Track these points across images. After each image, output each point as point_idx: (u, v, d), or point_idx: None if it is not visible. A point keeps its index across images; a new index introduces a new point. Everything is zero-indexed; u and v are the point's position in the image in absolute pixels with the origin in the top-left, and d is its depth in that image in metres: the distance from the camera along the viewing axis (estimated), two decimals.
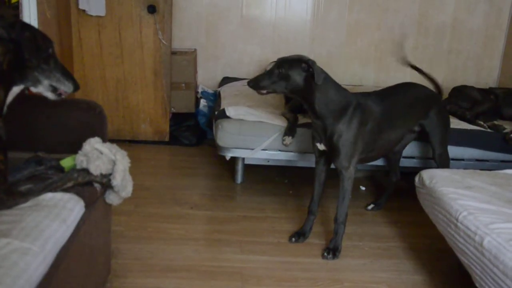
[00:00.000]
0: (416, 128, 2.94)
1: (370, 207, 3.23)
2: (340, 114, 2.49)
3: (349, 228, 2.95)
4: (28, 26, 1.70)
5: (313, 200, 2.77)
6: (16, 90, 1.68)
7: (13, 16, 2.22)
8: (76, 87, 1.80)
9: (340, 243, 2.67)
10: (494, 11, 4.66)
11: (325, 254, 2.63)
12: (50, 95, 1.77)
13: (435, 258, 2.68)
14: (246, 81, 4.21)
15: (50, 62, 1.72)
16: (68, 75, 1.77)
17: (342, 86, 2.58)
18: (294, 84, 2.43)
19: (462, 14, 4.66)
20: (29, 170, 1.80)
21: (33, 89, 1.73)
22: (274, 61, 2.52)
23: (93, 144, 1.83)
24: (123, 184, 1.86)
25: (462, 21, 4.68)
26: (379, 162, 3.30)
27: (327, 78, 2.47)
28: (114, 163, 1.82)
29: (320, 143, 2.62)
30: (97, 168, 1.79)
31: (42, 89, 1.73)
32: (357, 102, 2.54)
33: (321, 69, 2.43)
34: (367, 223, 3.05)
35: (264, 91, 2.47)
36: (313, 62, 2.40)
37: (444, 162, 2.99)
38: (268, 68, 2.53)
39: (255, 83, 2.47)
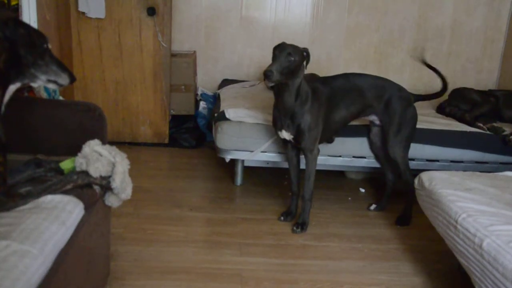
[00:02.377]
0: (375, 120, 3.02)
1: (372, 207, 3.25)
2: (305, 100, 2.68)
3: (348, 230, 2.97)
4: (22, 23, 1.69)
5: (293, 183, 3.01)
6: (12, 88, 1.68)
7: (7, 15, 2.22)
8: (72, 79, 1.80)
9: (308, 218, 2.90)
10: (493, 13, 4.67)
11: (295, 228, 2.87)
12: (51, 86, 1.78)
13: (434, 260, 2.68)
14: (246, 83, 4.26)
15: (46, 57, 1.72)
16: (64, 68, 1.77)
17: None
18: (298, 69, 2.58)
19: (461, 16, 4.67)
20: (28, 173, 1.80)
21: (33, 84, 1.74)
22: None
23: (92, 146, 1.83)
24: (123, 186, 1.86)
25: (461, 23, 4.69)
26: (378, 164, 3.30)
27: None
28: (113, 165, 1.82)
29: (281, 131, 2.78)
30: (96, 170, 1.79)
31: (41, 83, 1.74)
32: (312, 88, 2.72)
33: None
34: (366, 225, 3.05)
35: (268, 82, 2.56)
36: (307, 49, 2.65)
37: (397, 156, 2.98)
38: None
39: (272, 75, 2.48)
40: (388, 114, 2.94)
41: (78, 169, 1.81)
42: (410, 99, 3.00)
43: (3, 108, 1.64)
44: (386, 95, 2.93)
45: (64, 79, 1.78)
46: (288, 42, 2.73)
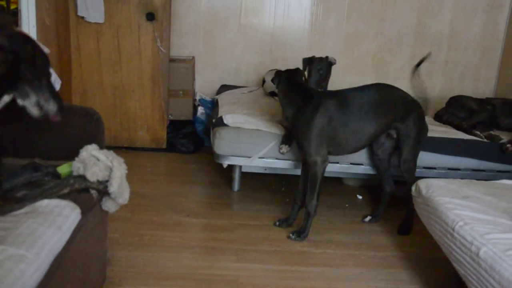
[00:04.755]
0: (393, 133, 2.96)
1: (367, 219, 3.20)
2: (301, 109, 2.77)
3: (345, 237, 2.97)
4: (30, 40, 1.69)
5: (298, 191, 3.00)
6: (6, 99, 1.67)
7: (15, 27, 2.25)
8: (61, 110, 1.78)
9: (307, 228, 2.87)
10: (491, 21, 4.69)
11: (290, 234, 2.87)
12: (35, 111, 1.73)
13: (431, 267, 2.68)
14: (245, 88, 4.28)
15: (42, 79, 1.72)
16: (56, 96, 1.76)
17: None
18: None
19: (459, 24, 4.69)
20: (25, 177, 1.79)
21: (20, 102, 1.70)
22: (272, 69, 2.71)
23: (90, 151, 1.83)
24: (120, 191, 1.86)
25: (459, 31, 4.71)
26: (374, 171, 3.30)
27: (285, 79, 2.87)
28: (111, 170, 1.82)
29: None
30: (93, 174, 1.79)
31: (28, 104, 1.70)
32: (320, 100, 2.76)
33: (279, 73, 2.91)
34: (363, 232, 3.05)
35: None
36: (276, 72, 2.94)
37: (408, 168, 2.98)
38: (265, 77, 2.78)
39: None
40: (408, 131, 2.91)
41: (75, 173, 1.81)
42: (424, 117, 3.02)
43: None
44: (412, 113, 2.90)
45: (52, 107, 1.75)
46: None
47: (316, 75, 3.13)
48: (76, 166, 1.81)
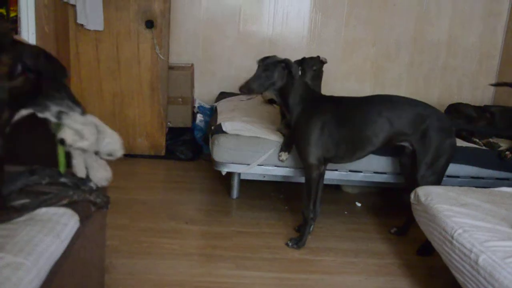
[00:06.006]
0: (407, 145, 2.82)
1: (392, 230, 3.12)
2: (304, 110, 2.76)
3: (344, 244, 2.96)
4: (50, 58, 1.71)
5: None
6: (24, 112, 1.68)
7: (15, 35, 2.24)
8: (83, 112, 1.80)
9: (304, 234, 2.85)
10: (489, 29, 4.72)
11: (288, 242, 2.86)
12: (53, 119, 1.75)
13: (430, 275, 2.67)
14: (244, 96, 4.27)
15: (62, 90, 1.72)
16: (77, 102, 1.76)
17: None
18: (277, 82, 2.76)
19: (457, 31, 4.71)
20: (22, 181, 1.79)
21: (40, 115, 1.71)
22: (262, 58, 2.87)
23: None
24: (93, 173, 1.87)
25: (457, 38, 4.72)
26: (375, 178, 3.30)
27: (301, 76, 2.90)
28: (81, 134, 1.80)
29: None
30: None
31: (49, 115, 1.72)
32: (320, 104, 2.78)
33: (296, 66, 2.82)
34: (362, 239, 3.04)
35: (254, 95, 2.87)
36: (289, 61, 2.77)
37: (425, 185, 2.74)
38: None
39: (247, 88, 2.81)
40: (424, 145, 2.70)
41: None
42: (450, 130, 2.77)
43: (8, 128, 1.64)
44: (423, 125, 2.70)
45: (77, 110, 1.76)
46: (285, 56, 2.80)
47: (310, 71, 3.25)
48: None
